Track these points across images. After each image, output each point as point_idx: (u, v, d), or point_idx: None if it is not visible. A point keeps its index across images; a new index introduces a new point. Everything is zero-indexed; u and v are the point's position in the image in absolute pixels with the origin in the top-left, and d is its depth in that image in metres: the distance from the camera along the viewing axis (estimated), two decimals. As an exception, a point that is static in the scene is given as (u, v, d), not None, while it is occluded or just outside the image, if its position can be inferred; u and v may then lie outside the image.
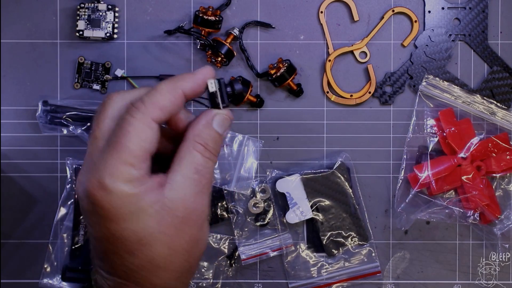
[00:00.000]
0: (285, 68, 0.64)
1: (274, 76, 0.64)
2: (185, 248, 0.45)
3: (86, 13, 0.66)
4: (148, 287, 0.45)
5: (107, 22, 0.67)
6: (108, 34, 0.66)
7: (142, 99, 0.43)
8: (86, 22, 0.66)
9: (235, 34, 0.65)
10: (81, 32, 0.66)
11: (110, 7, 0.67)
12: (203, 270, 0.67)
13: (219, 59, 0.65)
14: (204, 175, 0.45)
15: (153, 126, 0.43)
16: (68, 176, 0.67)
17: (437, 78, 0.67)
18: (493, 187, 0.66)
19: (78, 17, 0.66)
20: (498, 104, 0.67)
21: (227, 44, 0.65)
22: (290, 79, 0.65)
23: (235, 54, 0.66)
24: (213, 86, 0.47)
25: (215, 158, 0.46)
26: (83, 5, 0.66)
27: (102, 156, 0.43)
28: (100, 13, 0.66)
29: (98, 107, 0.46)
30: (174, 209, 0.44)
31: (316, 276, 0.67)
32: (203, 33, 0.65)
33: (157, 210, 0.43)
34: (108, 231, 0.43)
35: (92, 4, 0.66)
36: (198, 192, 0.45)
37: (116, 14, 0.67)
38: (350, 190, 0.66)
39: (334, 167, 0.66)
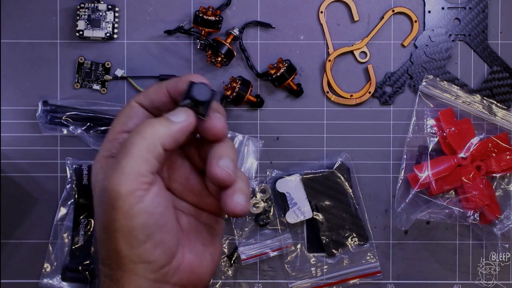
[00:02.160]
0: (285, 68, 0.64)
1: (274, 76, 0.64)
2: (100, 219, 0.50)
3: (86, 13, 0.66)
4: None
5: (107, 22, 0.67)
6: (108, 34, 0.66)
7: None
8: (86, 22, 0.66)
9: (235, 34, 0.65)
10: (81, 32, 0.66)
11: (110, 7, 0.67)
12: (203, 270, 0.67)
13: (219, 59, 0.65)
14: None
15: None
16: (68, 176, 0.67)
17: (437, 78, 0.67)
18: (493, 187, 0.66)
19: (78, 17, 0.66)
20: (498, 104, 0.67)
21: (227, 44, 0.65)
22: (290, 79, 0.65)
23: (235, 54, 0.66)
24: (207, 94, 0.47)
25: None
26: (83, 5, 0.66)
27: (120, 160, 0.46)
28: (100, 13, 0.66)
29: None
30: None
31: (316, 276, 0.67)
32: (203, 33, 0.65)
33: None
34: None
35: (92, 4, 0.66)
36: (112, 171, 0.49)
37: (116, 14, 0.67)
38: (350, 190, 0.66)
39: (334, 167, 0.66)
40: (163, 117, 0.47)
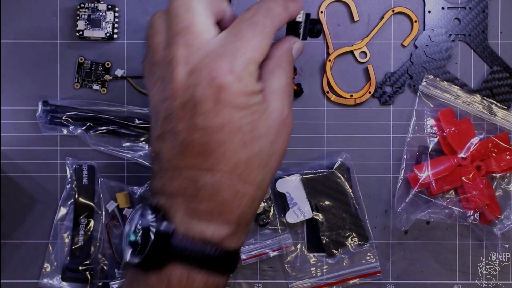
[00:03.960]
0: None
1: None
2: (280, 150, 0.49)
3: (86, 13, 0.66)
4: (250, 182, 0.47)
5: (107, 22, 0.67)
6: (108, 34, 0.66)
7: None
8: (86, 22, 0.66)
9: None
10: (81, 32, 0.66)
11: (110, 7, 0.67)
12: (203, 270, 0.67)
13: None
14: (291, 90, 0.51)
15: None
16: (68, 176, 0.67)
17: (437, 78, 0.67)
18: (493, 187, 0.66)
19: (78, 17, 0.66)
20: (498, 104, 0.67)
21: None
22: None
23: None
24: (300, 17, 0.53)
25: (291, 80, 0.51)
26: (83, 5, 0.66)
27: (228, 44, 0.45)
28: (100, 13, 0.66)
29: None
30: (277, 110, 0.48)
31: (316, 276, 0.67)
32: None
33: (265, 108, 0.47)
34: (227, 118, 0.45)
35: (92, 4, 0.66)
36: (290, 100, 0.50)
37: (116, 14, 0.67)
38: (350, 190, 0.66)
39: (334, 167, 0.66)
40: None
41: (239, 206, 0.46)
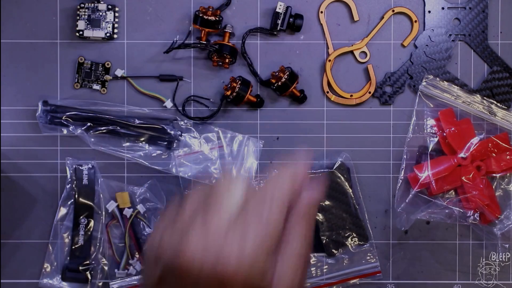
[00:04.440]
0: (286, 77, 0.64)
1: (275, 86, 0.64)
2: None
3: (86, 13, 0.66)
4: None
5: (107, 22, 0.67)
6: (108, 34, 0.66)
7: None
8: (86, 22, 0.66)
9: (230, 31, 0.65)
10: (81, 32, 0.66)
11: (110, 7, 0.67)
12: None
13: (227, 60, 0.65)
14: (306, 255, 0.42)
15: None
16: (68, 176, 0.67)
17: (437, 78, 0.67)
18: (493, 187, 0.66)
19: (78, 17, 0.66)
20: (498, 104, 0.67)
21: (229, 44, 0.65)
22: (292, 87, 0.65)
23: (238, 50, 0.66)
24: (280, 8, 0.61)
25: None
26: (83, 5, 0.66)
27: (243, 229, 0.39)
28: (100, 13, 0.66)
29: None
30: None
31: (316, 276, 0.67)
32: (202, 34, 0.65)
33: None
34: None
35: (92, 4, 0.66)
36: (303, 276, 0.42)
37: (116, 14, 0.67)
38: (350, 190, 0.66)
39: (334, 167, 0.66)
40: None
41: None
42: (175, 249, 0.40)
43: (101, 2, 0.66)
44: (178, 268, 0.40)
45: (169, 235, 0.41)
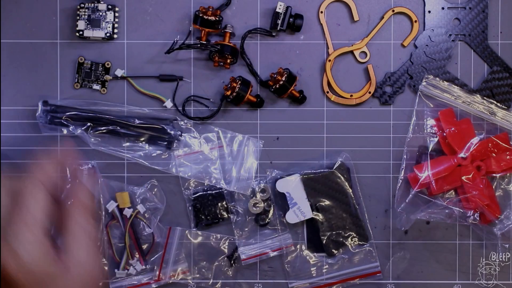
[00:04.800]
0: (284, 79, 0.64)
1: (273, 88, 0.64)
2: None
3: (86, 13, 0.66)
4: None
5: (107, 22, 0.67)
6: (108, 34, 0.66)
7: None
8: (86, 22, 0.66)
9: (230, 31, 0.65)
10: (81, 32, 0.66)
11: (110, 7, 0.67)
12: (203, 270, 0.67)
13: (228, 60, 0.65)
14: (94, 237, 0.49)
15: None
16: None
17: (437, 78, 0.67)
18: (493, 187, 0.66)
19: (78, 17, 0.66)
20: (498, 104, 0.67)
21: (230, 44, 0.65)
22: (291, 89, 0.65)
23: (239, 50, 0.66)
24: (280, 8, 0.62)
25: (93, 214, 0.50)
26: (83, 5, 0.66)
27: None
28: (100, 13, 0.66)
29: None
30: (81, 275, 0.47)
31: (316, 276, 0.67)
32: (202, 34, 0.65)
33: (68, 279, 0.46)
34: None
35: (92, 4, 0.66)
36: (96, 254, 0.48)
37: (116, 14, 0.67)
38: (350, 190, 0.66)
39: (334, 167, 0.66)
40: None
41: None
42: None
43: (101, 2, 0.66)
44: None
45: None
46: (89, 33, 0.66)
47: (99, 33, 0.66)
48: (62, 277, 0.46)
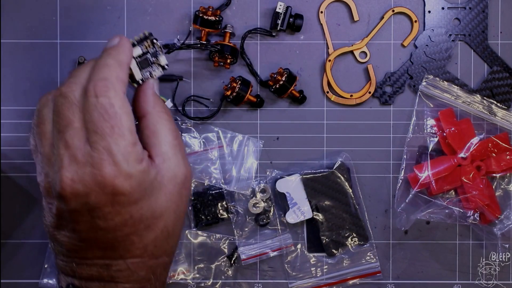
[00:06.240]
0: (284, 79, 0.64)
1: (273, 89, 0.64)
2: (184, 210, 0.49)
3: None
4: (161, 255, 0.48)
5: (107, 22, 0.67)
6: (108, 34, 0.66)
7: (104, 79, 0.45)
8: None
9: (230, 31, 0.65)
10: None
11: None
12: (203, 270, 0.67)
13: (228, 60, 0.65)
14: (180, 138, 0.49)
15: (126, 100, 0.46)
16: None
17: (437, 78, 0.67)
18: (493, 187, 0.66)
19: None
20: (498, 104, 0.67)
21: (230, 44, 0.65)
22: (291, 88, 0.65)
23: (239, 50, 0.66)
24: (280, 8, 0.62)
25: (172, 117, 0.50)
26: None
27: (98, 145, 0.43)
28: (100, 13, 0.66)
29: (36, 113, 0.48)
30: (174, 176, 0.47)
31: (316, 276, 0.67)
32: (202, 34, 0.65)
33: (160, 181, 0.46)
34: (129, 215, 0.45)
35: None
36: (183, 155, 0.48)
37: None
38: (350, 190, 0.66)
39: (334, 167, 0.66)
40: None
41: (156, 275, 0.48)
42: (56, 185, 0.44)
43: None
44: (65, 202, 0.44)
45: (48, 171, 0.46)
46: (89, 33, 0.66)
47: (99, 33, 0.66)
48: (156, 175, 0.46)
